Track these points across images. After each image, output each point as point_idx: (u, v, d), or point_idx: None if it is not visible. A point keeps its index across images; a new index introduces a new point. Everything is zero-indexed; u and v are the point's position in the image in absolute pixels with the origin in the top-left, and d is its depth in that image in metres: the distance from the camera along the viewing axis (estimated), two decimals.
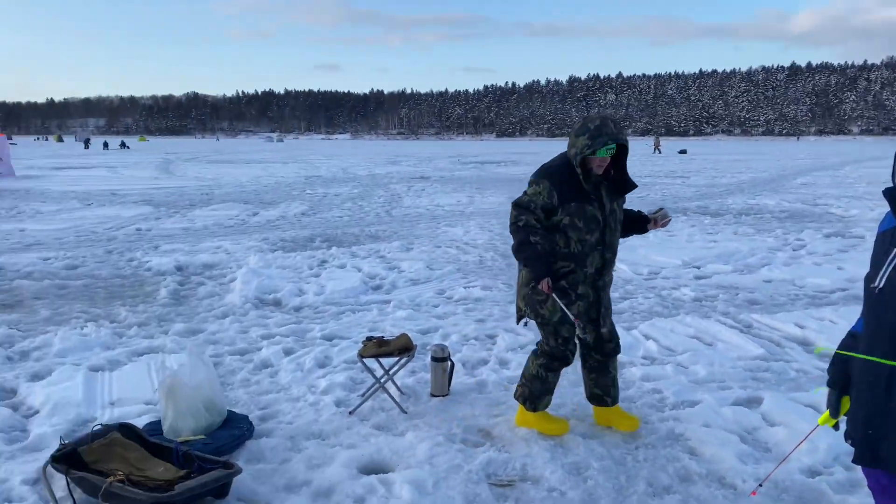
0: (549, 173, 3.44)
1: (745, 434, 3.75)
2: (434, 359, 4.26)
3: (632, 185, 3.56)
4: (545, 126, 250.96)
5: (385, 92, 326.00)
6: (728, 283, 7.62)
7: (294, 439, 3.70)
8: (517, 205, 3.47)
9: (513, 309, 6.46)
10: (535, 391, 3.70)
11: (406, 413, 4.02)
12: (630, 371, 4.73)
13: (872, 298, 1.90)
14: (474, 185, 22.08)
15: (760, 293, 7.09)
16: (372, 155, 53.51)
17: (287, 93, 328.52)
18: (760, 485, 3.00)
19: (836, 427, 2.24)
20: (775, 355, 5.12)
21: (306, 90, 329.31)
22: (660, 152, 52.23)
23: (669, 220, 3.73)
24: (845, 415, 2.12)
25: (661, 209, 3.76)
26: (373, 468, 3.39)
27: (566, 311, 3.42)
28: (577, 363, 4.88)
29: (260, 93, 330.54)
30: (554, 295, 3.42)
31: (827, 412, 2.20)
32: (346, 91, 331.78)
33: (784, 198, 17.29)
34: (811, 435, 2.70)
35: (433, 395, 4.29)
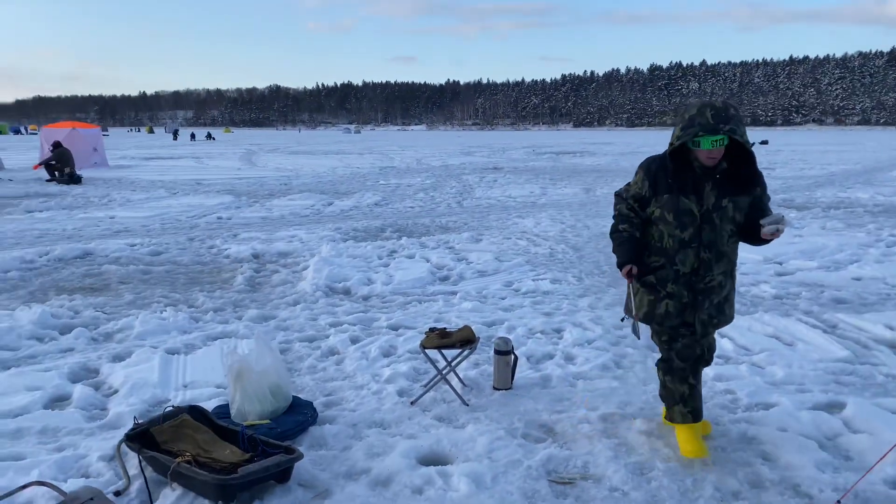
0: (647, 163, 3.32)
1: (824, 440, 3.55)
2: (497, 352, 4.22)
3: (756, 180, 3.12)
4: (624, 115, 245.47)
5: (461, 83, 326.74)
6: (812, 280, 7.24)
7: (356, 427, 3.74)
8: (615, 194, 3.48)
9: (582, 303, 6.35)
10: (662, 395, 3.53)
11: (468, 405, 4.00)
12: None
13: None
14: (548, 175, 21.81)
15: (848, 292, 6.70)
16: (446, 145, 53.65)
17: (365, 84, 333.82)
18: (838, 502, 2.83)
19: None
20: (862, 358, 4.83)
21: (383, 82, 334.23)
22: None
23: (777, 230, 2.98)
24: None
25: (774, 215, 3.04)
26: (432, 459, 3.39)
27: (632, 300, 3.30)
28: (650, 358, 4.75)
29: (339, 85, 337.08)
30: (633, 285, 3.32)
31: None
32: (422, 82, 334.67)
33: (879, 191, 16.30)
34: None
35: (496, 389, 4.25)
